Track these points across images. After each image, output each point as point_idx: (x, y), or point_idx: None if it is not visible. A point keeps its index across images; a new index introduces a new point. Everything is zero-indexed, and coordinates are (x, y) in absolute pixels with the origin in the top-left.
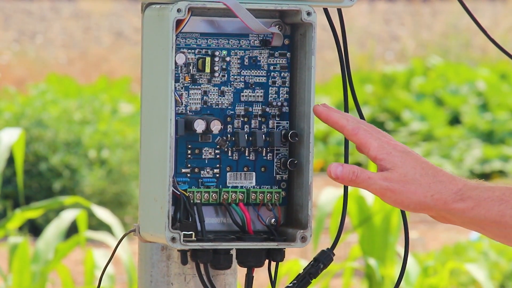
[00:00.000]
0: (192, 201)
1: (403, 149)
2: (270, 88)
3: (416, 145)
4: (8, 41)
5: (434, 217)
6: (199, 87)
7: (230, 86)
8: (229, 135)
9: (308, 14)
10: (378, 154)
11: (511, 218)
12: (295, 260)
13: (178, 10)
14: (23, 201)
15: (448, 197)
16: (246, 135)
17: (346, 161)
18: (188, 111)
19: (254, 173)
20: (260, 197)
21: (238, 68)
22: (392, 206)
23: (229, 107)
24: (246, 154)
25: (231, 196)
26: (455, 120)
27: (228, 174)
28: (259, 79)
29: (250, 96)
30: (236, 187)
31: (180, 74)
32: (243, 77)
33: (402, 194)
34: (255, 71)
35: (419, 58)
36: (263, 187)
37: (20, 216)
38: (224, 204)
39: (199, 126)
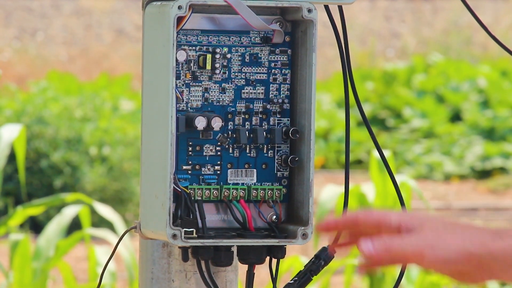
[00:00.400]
0: (193, 198)
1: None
2: (271, 85)
3: (417, 142)
4: (9, 38)
5: (474, 278)
6: (200, 84)
7: (231, 83)
8: (230, 132)
9: (309, 11)
10: (400, 219)
11: None
12: (296, 257)
13: (179, 7)
14: (25, 198)
15: (486, 238)
16: (247, 132)
17: (347, 159)
18: (189, 108)
19: (255, 170)
20: (261, 194)
21: (239, 65)
22: (433, 268)
23: (230, 104)
24: (247, 151)
25: (232, 193)
26: (456, 117)
27: (229, 171)
28: (260, 76)
29: (251, 93)
30: (237, 184)
31: (181, 71)
32: (244, 74)
33: (440, 246)
34: (256, 68)
35: (420, 55)
36: (264, 184)
37: (21, 213)
38: (225, 201)
39: (200, 123)
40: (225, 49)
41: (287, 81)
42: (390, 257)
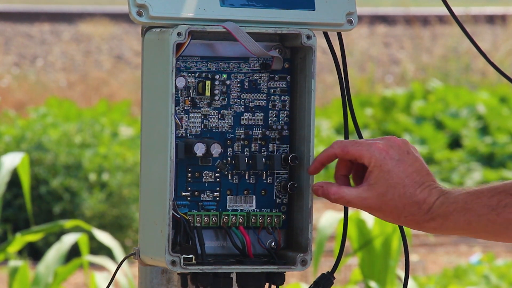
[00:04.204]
0: (192, 225)
1: (398, 153)
2: (270, 111)
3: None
4: (8, 64)
5: None
6: (199, 110)
7: (230, 110)
8: (229, 159)
9: (308, 37)
10: (370, 164)
11: (477, 223)
12: (296, 284)
13: (178, 34)
14: (32, 224)
15: (420, 218)
16: (246, 159)
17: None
18: (188, 135)
19: (254, 196)
20: (260, 221)
21: (238, 91)
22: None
23: (229, 131)
24: (246, 178)
25: (231, 219)
26: (455, 143)
27: (228, 197)
28: (259, 103)
29: (250, 119)
30: (236, 210)
31: (180, 97)
32: (243, 100)
33: (377, 214)
34: (255, 95)
35: (419, 82)
36: (263, 210)
37: (20, 240)
38: (224, 228)
39: (199, 149)
40: (224, 76)
41: (286, 108)
42: (326, 197)
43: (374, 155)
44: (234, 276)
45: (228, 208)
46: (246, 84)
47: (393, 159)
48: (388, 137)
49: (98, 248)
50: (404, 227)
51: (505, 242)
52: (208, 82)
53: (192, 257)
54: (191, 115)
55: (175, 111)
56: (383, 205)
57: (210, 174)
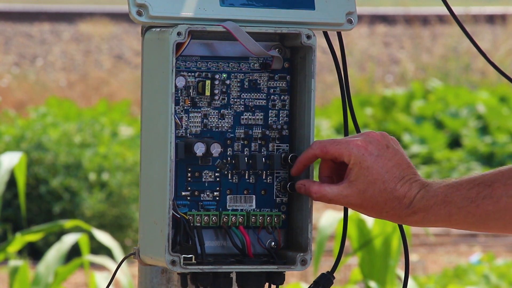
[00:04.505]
0: (192, 224)
1: (377, 148)
2: (270, 111)
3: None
4: (8, 64)
5: None
6: (199, 110)
7: (230, 109)
8: (229, 158)
9: (308, 37)
10: (349, 161)
11: (458, 215)
12: (296, 283)
13: (178, 34)
14: (25, 224)
15: (402, 212)
16: (246, 158)
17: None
18: (188, 134)
19: (254, 196)
20: (260, 220)
21: (238, 91)
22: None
23: (229, 130)
24: (246, 177)
25: (231, 219)
26: (455, 143)
27: (228, 197)
28: (259, 102)
29: (250, 119)
30: (236, 210)
31: (180, 97)
32: (243, 100)
33: (359, 210)
34: (255, 94)
35: (419, 81)
36: (263, 210)
37: (20, 240)
38: (224, 227)
39: (199, 149)
40: (224, 75)
41: (286, 107)
42: (309, 195)
43: (353, 152)
44: (234, 276)
45: (228, 208)
46: (246, 83)
47: (372, 154)
48: (367, 133)
49: (98, 248)
50: (404, 226)
51: (486, 232)
52: (208, 82)
53: (192, 256)
54: (191, 114)
55: (175, 110)
56: (364, 202)
57: (210, 174)
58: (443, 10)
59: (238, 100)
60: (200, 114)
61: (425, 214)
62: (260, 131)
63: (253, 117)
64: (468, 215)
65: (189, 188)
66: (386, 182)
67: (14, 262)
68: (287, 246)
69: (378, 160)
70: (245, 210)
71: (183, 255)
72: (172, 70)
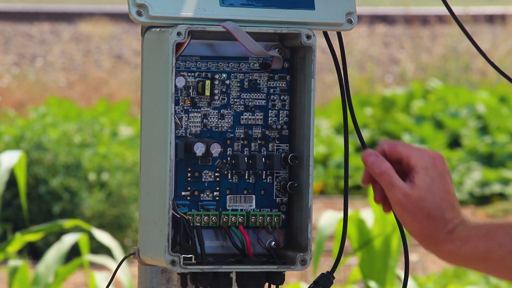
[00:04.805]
0: (192, 224)
1: (442, 167)
2: (270, 111)
3: None
4: (8, 64)
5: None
6: (199, 110)
7: (230, 109)
8: (229, 158)
9: (308, 37)
10: (417, 165)
11: (497, 253)
12: (296, 283)
13: (178, 34)
14: (27, 224)
15: (441, 236)
16: (246, 158)
17: (346, 185)
18: (188, 134)
19: (254, 196)
20: (260, 220)
21: (238, 91)
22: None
23: (229, 130)
24: (246, 177)
25: (231, 219)
26: (454, 143)
27: (228, 197)
28: (258, 102)
29: (250, 119)
30: (236, 210)
31: (180, 97)
32: (243, 100)
33: (407, 217)
34: (255, 94)
35: (418, 81)
36: (263, 210)
37: (20, 239)
38: (224, 227)
39: (199, 149)
40: (224, 75)
41: (286, 107)
42: (374, 174)
43: (424, 158)
44: (233, 276)
45: (227, 208)
46: (246, 83)
47: (438, 170)
48: (434, 151)
49: (98, 248)
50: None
51: None
52: (207, 82)
53: (191, 256)
54: (190, 114)
55: (175, 110)
56: (415, 209)
57: (210, 174)
58: (443, 10)
59: (238, 100)
60: (200, 114)
61: (462, 244)
62: (260, 131)
63: (253, 117)
64: (508, 255)
65: (189, 188)
66: (443, 200)
67: (14, 262)
68: (287, 246)
69: (441, 177)
70: (245, 210)
71: (183, 255)
72: (172, 70)
